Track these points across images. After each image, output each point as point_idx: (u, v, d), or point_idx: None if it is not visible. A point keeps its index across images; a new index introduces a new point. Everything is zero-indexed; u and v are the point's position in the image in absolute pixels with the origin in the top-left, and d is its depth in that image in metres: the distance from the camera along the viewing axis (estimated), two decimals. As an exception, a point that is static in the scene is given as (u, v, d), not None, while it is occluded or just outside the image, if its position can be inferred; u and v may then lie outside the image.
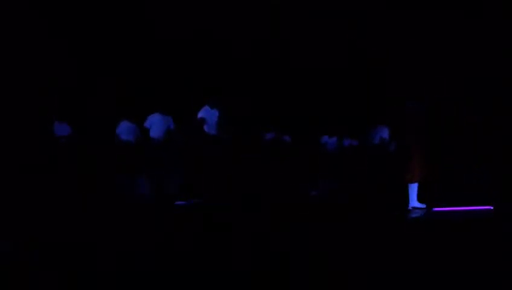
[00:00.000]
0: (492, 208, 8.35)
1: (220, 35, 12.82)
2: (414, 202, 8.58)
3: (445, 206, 8.58)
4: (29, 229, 6.32)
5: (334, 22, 13.10)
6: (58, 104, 11.38)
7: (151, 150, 10.55)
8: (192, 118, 10.58)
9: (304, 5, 12.56)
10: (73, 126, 11.24)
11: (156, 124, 10.65)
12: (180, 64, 12.74)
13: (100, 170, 10.56)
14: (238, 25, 12.97)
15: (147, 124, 10.66)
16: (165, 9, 12.53)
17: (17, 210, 8.31)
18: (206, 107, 10.40)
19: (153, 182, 10.49)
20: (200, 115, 10.36)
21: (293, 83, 13.63)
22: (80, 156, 10.61)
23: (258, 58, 13.23)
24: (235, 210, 8.49)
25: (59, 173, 10.26)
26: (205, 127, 10.34)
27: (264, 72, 13.27)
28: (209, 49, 12.83)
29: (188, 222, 7.14)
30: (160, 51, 12.55)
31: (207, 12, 12.62)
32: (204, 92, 11.50)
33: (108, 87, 12.11)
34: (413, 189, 8.57)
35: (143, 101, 11.81)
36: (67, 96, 11.70)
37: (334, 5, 12.47)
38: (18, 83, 11.20)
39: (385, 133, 12.47)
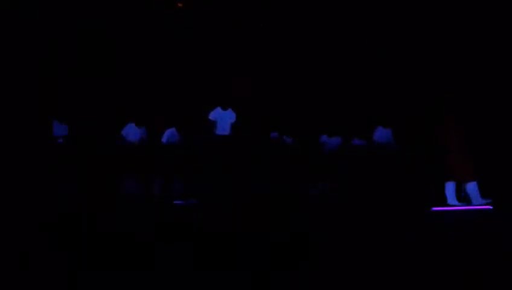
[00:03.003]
0: (491, 207, 8.36)
1: (221, 34, 12.82)
2: (452, 200, 8.62)
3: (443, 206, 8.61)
4: (28, 229, 6.32)
5: (336, 23, 13.09)
6: (57, 104, 11.39)
7: (153, 151, 10.62)
8: (197, 119, 10.70)
9: (305, 4, 12.56)
10: (72, 127, 11.26)
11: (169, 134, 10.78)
12: (181, 63, 12.76)
13: (100, 170, 10.57)
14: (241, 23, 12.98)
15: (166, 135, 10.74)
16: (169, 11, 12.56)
17: (16, 211, 8.31)
18: (218, 109, 10.59)
19: (153, 182, 10.52)
20: (211, 116, 10.56)
21: (293, 81, 13.63)
22: (78, 157, 10.62)
23: (258, 56, 13.23)
24: (233, 209, 8.50)
25: (58, 173, 10.26)
26: (216, 129, 10.53)
27: (264, 70, 13.26)
28: (210, 48, 12.83)
29: (187, 221, 7.15)
30: (160, 52, 12.56)
31: (210, 12, 12.64)
32: (205, 93, 11.57)
33: (108, 87, 12.12)
34: (451, 187, 8.61)
35: (145, 101, 11.85)
36: (66, 97, 11.70)
37: (335, 4, 12.46)
38: (17, 82, 11.20)
39: (388, 133, 12.45)
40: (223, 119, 10.60)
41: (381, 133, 12.36)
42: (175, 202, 9.73)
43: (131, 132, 11.03)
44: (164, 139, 10.82)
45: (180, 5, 12.57)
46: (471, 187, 8.60)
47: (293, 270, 3.84)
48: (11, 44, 11.08)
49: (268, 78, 13.26)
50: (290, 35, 13.34)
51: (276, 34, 13.27)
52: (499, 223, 6.70)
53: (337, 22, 13.06)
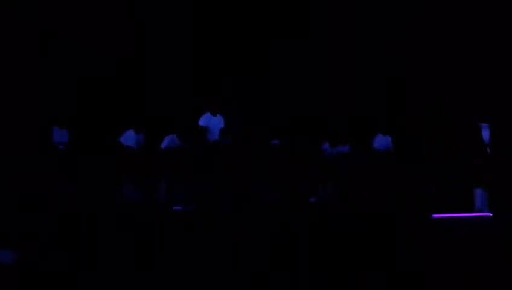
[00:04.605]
0: (491, 214, 8.37)
1: (220, 36, 12.82)
2: (481, 207, 8.68)
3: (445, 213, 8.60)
4: (29, 235, 6.31)
5: (339, 31, 13.11)
6: (58, 110, 11.42)
7: (152, 157, 10.63)
8: (192, 124, 10.68)
9: (307, 7, 12.58)
10: (72, 133, 11.27)
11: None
12: (178, 67, 12.76)
13: (99, 176, 10.58)
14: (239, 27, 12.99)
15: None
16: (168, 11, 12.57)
17: (16, 217, 8.30)
18: (208, 114, 10.60)
19: (153, 188, 10.51)
20: (201, 122, 10.58)
21: (294, 88, 13.62)
22: (79, 163, 10.62)
23: (258, 62, 13.23)
24: (234, 215, 8.50)
25: (57, 178, 10.27)
26: (207, 134, 10.55)
27: (265, 77, 13.27)
28: (208, 52, 12.83)
29: (187, 227, 7.15)
30: (158, 54, 12.59)
31: (207, 14, 12.65)
32: (203, 97, 11.56)
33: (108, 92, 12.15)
34: (480, 195, 8.67)
35: (142, 106, 11.86)
36: (67, 103, 11.73)
37: (338, 11, 12.49)
38: (17, 88, 11.22)
39: (387, 140, 12.45)
40: (213, 124, 10.66)
41: (380, 141, 12.37)
42: (175, 208, 9.73)
43: (129, 138, 11.05)
44: (164, 145, 10.81)
45: None
46: (480, 194, 8.65)
47: (293, 271, 3.85)
48: (11, 49, 11.12)
49: (268, 83, 13.24)
50: (290, 37, 13.32)
51: (276, 35, 13.26)
52: (498, 230, 6.70)
53: (337, 26, 13.06)
